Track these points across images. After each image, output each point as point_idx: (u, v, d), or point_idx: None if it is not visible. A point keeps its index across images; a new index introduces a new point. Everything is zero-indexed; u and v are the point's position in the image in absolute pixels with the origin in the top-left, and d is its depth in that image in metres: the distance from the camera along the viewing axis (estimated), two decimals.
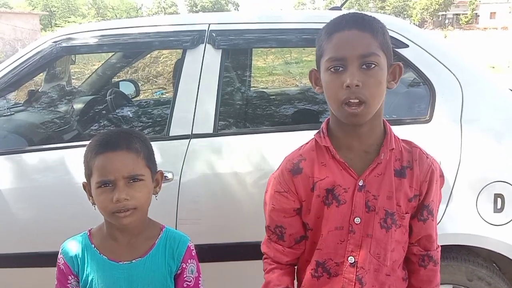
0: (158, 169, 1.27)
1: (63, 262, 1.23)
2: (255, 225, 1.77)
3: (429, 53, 1.82)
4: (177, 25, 1.98)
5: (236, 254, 1.81)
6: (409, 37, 1.84)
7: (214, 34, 1.89)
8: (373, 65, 1.02)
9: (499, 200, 1.69)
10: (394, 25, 1.86)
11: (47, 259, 1.80)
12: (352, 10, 2.45)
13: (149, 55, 6.64)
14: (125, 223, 1.16)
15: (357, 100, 1.01)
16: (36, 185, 1.87)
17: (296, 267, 1.25)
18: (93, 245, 1.23)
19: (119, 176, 1.14)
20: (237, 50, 2.27)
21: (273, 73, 9.23)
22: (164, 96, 7.56)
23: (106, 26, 2.03)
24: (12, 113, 2.59)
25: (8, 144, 2.18)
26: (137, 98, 3.57)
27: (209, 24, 1.92)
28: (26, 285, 1.93)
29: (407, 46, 1.82)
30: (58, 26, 28.09)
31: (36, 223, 1.85)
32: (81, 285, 1.22)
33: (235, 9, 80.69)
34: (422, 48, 1.83)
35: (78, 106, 2.75)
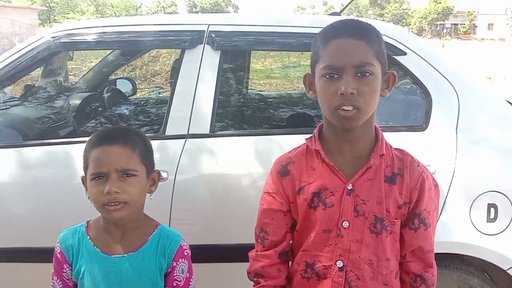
0: (156, 169, 1.28)
1: (59, 250, 1.25)
2: (249, 227, 1.77)
3: (427, 62, 1.83)
4: (176, 25, 1.98)
5: (229, 256, 1.80)
6: (407, 45, 1.85)
7: (213, 35, 1.89)
8: (368, 74, 1.04)
9: (492, 210, 1.70)
10: (393, 33, 1.87)
11: (41, 254, 1.80)
12: (351, 16, 2.46)
13: (147, 54, 6.64)
14: (115, 217, 1.17)
15: (351, 108, 1.03)
16: (29, 180, 1.85)
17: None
18: (88, 237, 1.24)
19: (112, 169, 1.16)
20: (235, 51, 2.27)
21: (271, 76, 9.26)
22: (160, 95, 7.56)
23: (106, 23, 2.03)
24: (7, 107, 2.58)
25: (2, 138, 2.17)
26: (134, 97, 3.56)
27: (209, 25, 1.92)
28: (22, 280, 1.91)
29: (405, 53, 1.83)
30: (57, 22, 28.01)
31: (29, 218, 1.83)
32: (74, 275, 1.24)
33: (234, 11, 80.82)
34: (420, 56, 1.83)
35: (74, 102, 2.74)
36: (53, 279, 1.26)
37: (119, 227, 1.23)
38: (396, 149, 1.17)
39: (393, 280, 1.15)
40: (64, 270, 1.25)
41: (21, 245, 1.85)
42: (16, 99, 2.74)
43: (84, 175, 1.24)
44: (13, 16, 24.44)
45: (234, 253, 1.81)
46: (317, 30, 1.82)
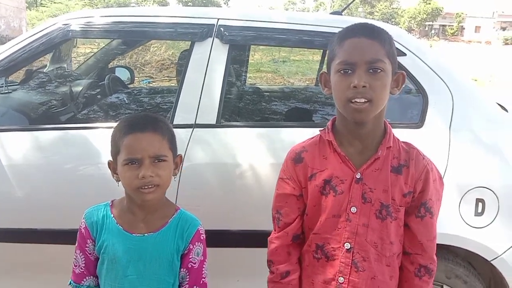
0: (178, 153, 1.37)
1: (84, 226, 1.33)
2: (252, 214, 1.87)
3: (425, 63, 1.93)
4: (187, 18, 2.04)
5: (233, 241, 1.89)
6: (407, 46, 1.95)
7: (222, 29, 1.96)
8: (379, 70, 1.14)
9: (480, 204, 1.81)
10: (393, 34, 1.94)
11: (37, 235, 1.87)
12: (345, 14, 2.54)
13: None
14: (148, 199, 1.25)
15: (363, 100, 1.13)
16: (30, 163, 1.90)
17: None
18: (112, 215, 1.32)
19: (145, 155, 1.24)
20: (241, 45, 2.34)
21: (261, 70, 9.33)
22: (151, 84, 7.56)
23: (117, 13, 2.08)
24: (9, 91, 2.60)
25: (2, 121, 2.21)
26: (132, 85, 3.61)
27: (218, 19, 1.98)
28: (37, 261, 1.97)
29: (404, 54, 1.92)
30: (44, 6, 27.48)
31: (28, 201, 1.89)
32: (96, 249, 1.31)
33: (224, 3, 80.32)
34: (418, 57, 1.93)
35: (76, 88, 2.78)
36: (75, 252, 1.34)
37: (143, 208, 1.30)
38: (404, 142, 1.27)
39: (395, 262, 1.25)
40: (87, 245, 1.32)
41: (27, 226, 1.90)
42: (16, 83, 2.76)
43: (110, 159, 1.32)
44: None
45: (237, 239, 1.90)
46: (323, 29, 1.93)
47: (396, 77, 1.21)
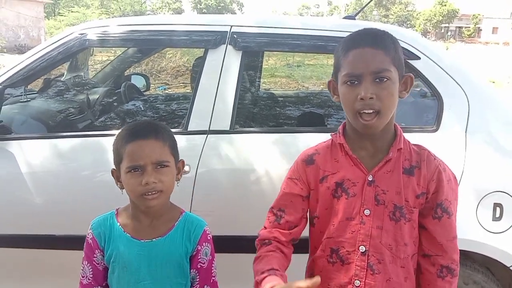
0: (180, 159, 1.37)
1: (91, 237, 1.34)
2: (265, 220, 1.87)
3: (439, 66, 1.91)
4: (200, 25, 2.06)
5: (246, 247, 1.88)
6: (421, 50, 1.94)
7: (235, 36, 1.97)
8: (385, 79, 1.14)
9: (498, 209, 1.78)
10: (408, 38, 1.96)
11: (55, 241, 1.91)
12: (358, 19, 2.53)
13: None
14: (152, 205, 1.26)
15: (371, 111, 1.13)
16: (48, 170, 1.93)
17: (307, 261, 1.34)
18: (118, 223, 1.33)
19: (148, 161, 1.25)
20: (255, 52, 2.35)
21: (275, 75, 9.35)
22: (166, 91, 7.63)
23: (132, 22, 2.12)
24: (28, 99, 2.66)
25: (22, 129, 2.26)
26: (148, 92, 3.65)
27: (231, 26, 2.00)
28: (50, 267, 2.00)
29: (419, 58, 1.91)
30: (62, 15, 28.01)
31: (47, 207, 1.92)
32: (106, 259, 1.33)
33: (239, 9, 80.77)
34: (433, 61, 1.92)
35: (93, 96, 2.83)
36: (83, 263, 1.34)
37: (148, 214, 1.31)
38: (414, 144, 1.27)
39: (409, 263, 1.24)
40: (95, 255, 1.33)
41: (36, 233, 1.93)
42: (35, 92, 2.82)
43: (113, 168, 1.33)
44: (18, 8, 24.51)
45: (251, 245, 1.90)
46: (337, 34, 1.93)
47: (404, 80, 1.21)
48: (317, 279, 1.02)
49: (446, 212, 1.23)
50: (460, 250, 1.80)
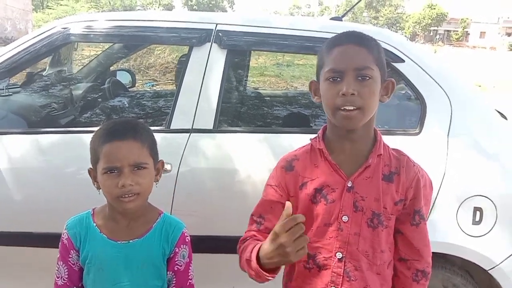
0: (160, 159, 1.35)
1: (66, 237, 1.30)
2: (247, 220, 1.86)
3: (423, 69, 1.92)
4: (185, 22, 2.04)
5: (227, 247, 1.87)
6: (406, 53, 1.94)
7: (220, 34, 1.96)
8: (368, 78, 1.14)
9: (478, 213, 1.79)
10: (393, 40, 1.96)
11: (35, 239, 1.87)
12: (345, 19, 2.53)
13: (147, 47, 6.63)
14: (128, 207, 1.23)
15: (352, 107, 1.13)
16: (30, 166, 1.90)
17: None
18: (94, 224, 1.30)
19: (125, 163, 1.21)
20: (241, 51, 2.34)
21: (265, 74, 9.32)
22: (154, 87, 7.57)
23: (116, 17, 2.08)
24: (9, 93, 2.61)
25: (2, 124, 2.22)
26: (134, 89, 3.61)
27: (217, 24, 1.98)
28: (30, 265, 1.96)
29: (403, 61, 1.92)
30: (50, 8, 27.65)
31: (27, 204, 1.89)
32: (81, 260, 1.29)
33: (229, 6, 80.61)
34: (417, 64, 1.93)
35: (76, 92, 2.79)
36: (58, 263, 1.31)
37: (125, 215, 1.29)
38: (393, 149, 1.27)
39: (385, 270, 1.24)
40: (70, 256, 1.30)
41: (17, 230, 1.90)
42: (18, 86, 2.77)
43: (90, 167, 1.29)
44: (5, 0, 24.12)
45: (232, 245, 1.88)
46: (323, 35, 1.92)
47: (385, 84, 1.21)
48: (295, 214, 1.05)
49: (423, 218, 1.24)
50: (440, 253, 1.84)
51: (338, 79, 1.14)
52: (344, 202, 1.20)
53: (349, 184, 1.20)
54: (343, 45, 1.16)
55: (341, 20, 2.43)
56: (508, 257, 1.79)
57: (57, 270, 1.31)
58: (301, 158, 1.27)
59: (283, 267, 1.33)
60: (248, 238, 1.28)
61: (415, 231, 1.24)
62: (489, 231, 1.80)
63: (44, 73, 2.86)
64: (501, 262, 1.79)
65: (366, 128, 1.20)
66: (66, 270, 1.30)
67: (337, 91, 1.13)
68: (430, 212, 1.77)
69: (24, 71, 2.50)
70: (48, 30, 2.01)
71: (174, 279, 1.31)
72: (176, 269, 1.31)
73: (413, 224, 1.23)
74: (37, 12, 30.20)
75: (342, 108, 1.13)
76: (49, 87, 2.75)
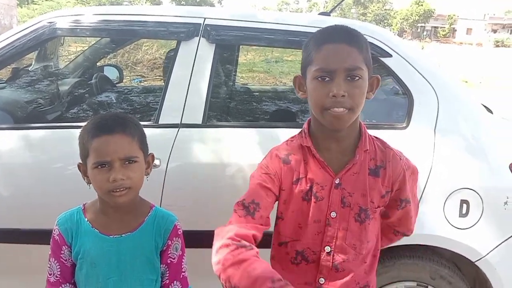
0: (150, 152, 1.34)
1: (58, 233, 1.29)
2: None
3: (411, 64, 1.93)
4: (173, 17, 2.02)
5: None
6: (393, 48, 1.95)
7: (209, 28, 1.95)
8: (357, 78, 1.12)
9: (464, 205, 1.82)
10: (380, 35, 1.97)
11: (22, 236, 1.85)
12: (333, 15, 2.53)
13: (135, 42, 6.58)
14: (120, 202, 1.23)
15: (341, 109, 1.11)
16: (16, 162, 1.87)
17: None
18: (86, 219, 1.30)
19: (115, 157, 1.21)
20: (229, 45, 2.33)
21: (253, 69, 9.31)
22: (142, 83, 7.51)
23: (103, 12, 2.06)
24: None
25: None
26: (122, 84, 3.59)
27: (205, 18, 1.97)
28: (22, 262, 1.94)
29: (390, 56, 1.93)
30: (35, 4, 27.22)
31: (14, 200, 1.87)
32: (73, 255, 1.29)
33: (218, 2, 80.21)
34: (404, 59, 1.94)
35: (63, 87, 2.76)
36: (49, 260, 1.30)
37: (116, 209, 1.28)
38: (377, 139, 1.27)
39: (369, 257, 1.28)
40: (62, 252, 1.29)
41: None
42: (3, 81, 2.74)
43: (80, 162, 1.29)
44: None
45: None
46: (312, 30, 1.92)
47: (371, 81, 1.19)
48: None
49: (409, 202, 1.29)
50: (427, 245, 1.87)
51: (328, 79, 1.11)
52: (332, 198, 1.20)
53: (337, 181, 1.20)
54: (333, 44, 1.12)
55: (329, 16, 2.44)
56: (494, 248, 1.82)
57: (49, 267, 1.30)
58: (295, 153, 1.25)
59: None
60: (249, 245, 1.08)
61: (400, 213, 1.31)
62: (475, 223, 1.82)
63: (30, 68, 2.83)
64: (487, 254, 1.82)
65: (352, 124, 1.18)
66: (59, 266, 1.29)
67: (326, 91, 1.10)
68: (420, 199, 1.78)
69: (9, 66, 2.48)
70: (34, 24, 1.98)
71: (168, 272, 1.32)
72: (169, 261, 1.31)
73: (400, 209, 1.29)
74: (22, 8, 29.68)
75: (331, 110, 1.11)
76: (35, 82, 2.72)
